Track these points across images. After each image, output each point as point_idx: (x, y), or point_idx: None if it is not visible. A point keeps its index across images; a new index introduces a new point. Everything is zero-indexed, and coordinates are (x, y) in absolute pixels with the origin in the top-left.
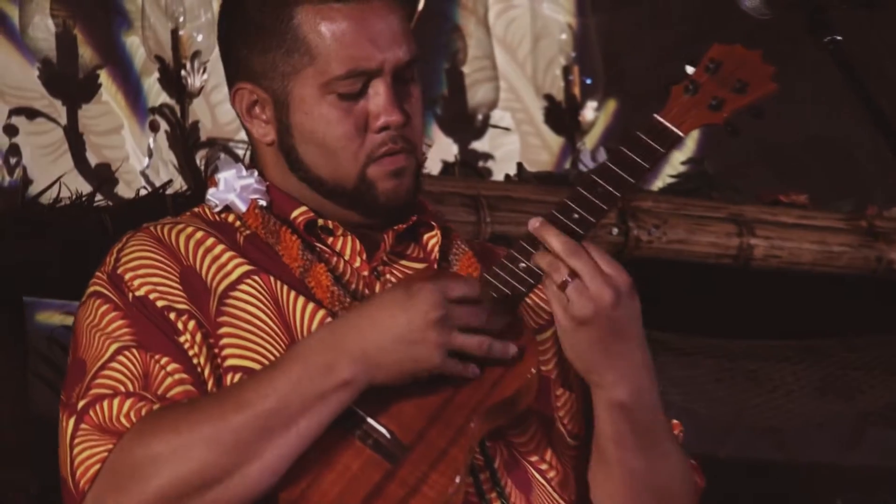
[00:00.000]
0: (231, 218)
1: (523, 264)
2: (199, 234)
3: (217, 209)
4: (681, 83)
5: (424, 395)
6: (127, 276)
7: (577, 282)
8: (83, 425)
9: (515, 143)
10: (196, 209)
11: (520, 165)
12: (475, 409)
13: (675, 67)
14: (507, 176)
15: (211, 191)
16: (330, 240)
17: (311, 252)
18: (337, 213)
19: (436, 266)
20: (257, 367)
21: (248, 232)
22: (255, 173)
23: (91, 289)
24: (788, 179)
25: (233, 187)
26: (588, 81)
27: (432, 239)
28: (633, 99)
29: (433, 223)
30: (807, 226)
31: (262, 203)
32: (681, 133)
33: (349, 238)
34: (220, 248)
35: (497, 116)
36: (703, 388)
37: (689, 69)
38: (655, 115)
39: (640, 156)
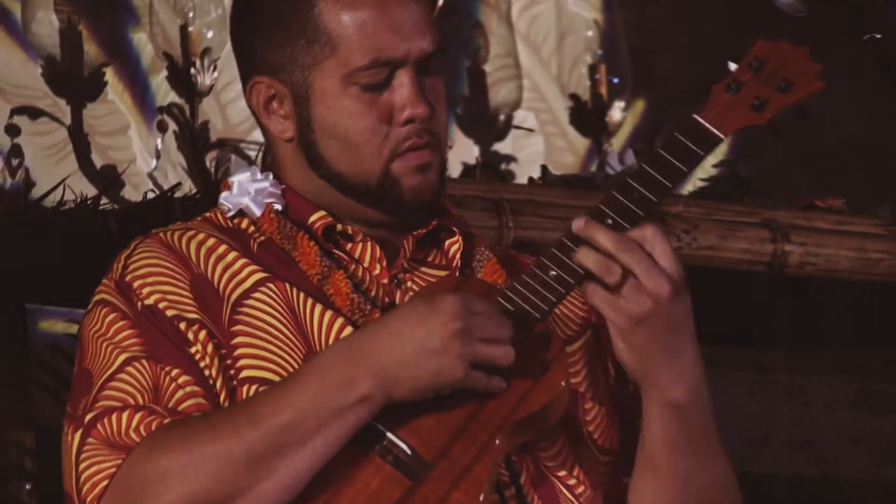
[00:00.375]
0: (245, 223)
1: (553, 272)
2: (211, 241)
3: (230, 214)
4: (722, 81)
5: (448, 409)
6: (135, 284)
7: (631, 279)
8: (90, 439)
9: (539, 145)
10: (207, 214)
11: (544, 168)
12: (501, 425)
13: (707, 66)
14: (531, 179)
15: (224, 194)
16: (349, 246)
17: (329, 259)
18: (357, 213)
19: (457, 273)
20: (274, 377)
21: (262, 238)
22: (270, 176)
23: (97, 296)
24: (825, 183)
25: (247, 191)
26: (615, 80)
27: (454, 245)
28: (662, 99)
29: (455, 228)
30: (844, 232)
31: (278, 207)
32: (721, 135)
33: (368, 244)
34: (232, 255)
35: (520, 117)
36: (735, 400)
37: (732, 66)
38: (695, 116)
39: (679, 159)
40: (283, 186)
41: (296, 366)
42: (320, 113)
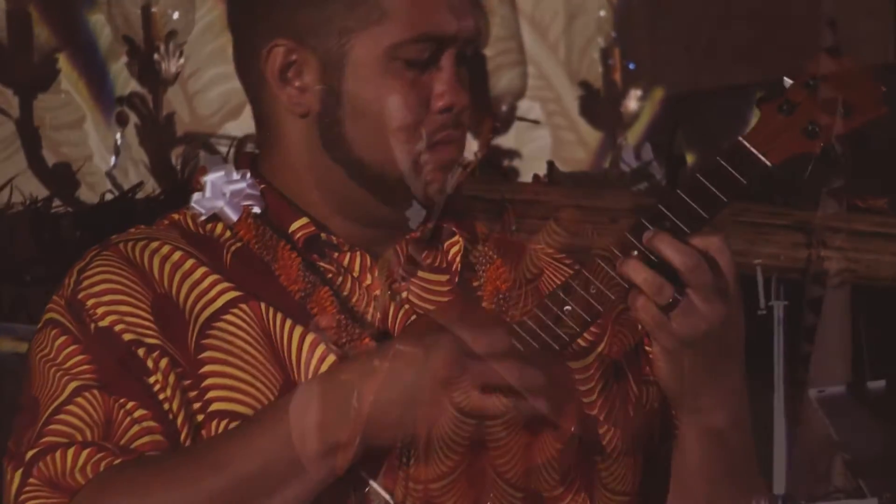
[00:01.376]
0: (219, 229)
1: (569, 307)
2: (177, 256)
3: (203, 219)
4: (773, 101)
5: (439, 457)
6: (89, 303)
7: (686, 299)
8: (31, 479)
9: (546, 139)
10: (175, 216)
11: (551, 164)
12: (496, 477)
13: (731, 51)
14: (536, 176)
15: (195, 196)
16: (335, 255)
17: (313, 273)
18: (357, 208)
19: (457, 279)
20: (248, 411)
21: (238, 245)
22: (248, 175)
23: (47, 315)
24: (865, 181)
25: (221, 192)
26: (631, 66)
27: (454, 246)
28: (682, 87)
29: (454, 230)
30: (887, 234)
31: (256, 210)
32: (769, 162)
33: (357, 253)
34: (200, 271)
35: (524, 107)
36: (765, 424)
37: (787, 82)
38: (740, 139)
39: (720, 187)
40: (263, 186)
41: (271, 397)
42: (353, 86)
